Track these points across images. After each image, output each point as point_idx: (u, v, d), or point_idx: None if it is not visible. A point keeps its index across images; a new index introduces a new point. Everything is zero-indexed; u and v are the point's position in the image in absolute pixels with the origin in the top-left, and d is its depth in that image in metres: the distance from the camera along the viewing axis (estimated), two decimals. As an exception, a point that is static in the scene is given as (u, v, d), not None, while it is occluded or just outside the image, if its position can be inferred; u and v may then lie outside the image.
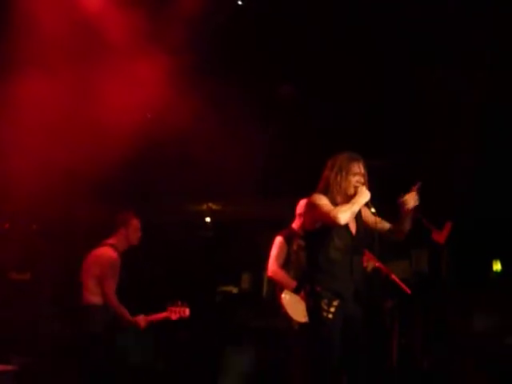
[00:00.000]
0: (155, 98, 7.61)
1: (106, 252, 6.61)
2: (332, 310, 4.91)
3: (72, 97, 7.44)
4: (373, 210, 5.14)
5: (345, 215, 4.96)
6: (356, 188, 5.09)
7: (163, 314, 6.71)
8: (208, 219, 10.13)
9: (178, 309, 6.66)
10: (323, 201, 5.06)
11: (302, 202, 6.83)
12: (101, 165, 7.60)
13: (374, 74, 8.39)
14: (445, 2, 7.76)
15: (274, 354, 7.26)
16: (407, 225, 5.24)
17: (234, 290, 10.55)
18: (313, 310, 5.05)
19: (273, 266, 6.74)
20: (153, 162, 8.66)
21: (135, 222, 6.78)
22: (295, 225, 6.91)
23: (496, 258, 10.25)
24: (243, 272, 10.83)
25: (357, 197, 5.05)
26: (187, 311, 6.66)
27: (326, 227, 5.06)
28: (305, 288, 5.39)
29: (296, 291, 6.57)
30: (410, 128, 8.76)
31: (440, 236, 6.49)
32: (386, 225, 5.26)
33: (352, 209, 5.00)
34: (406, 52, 8.33)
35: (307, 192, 7.01)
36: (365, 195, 5.07)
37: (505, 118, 9.06)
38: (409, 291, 6.51)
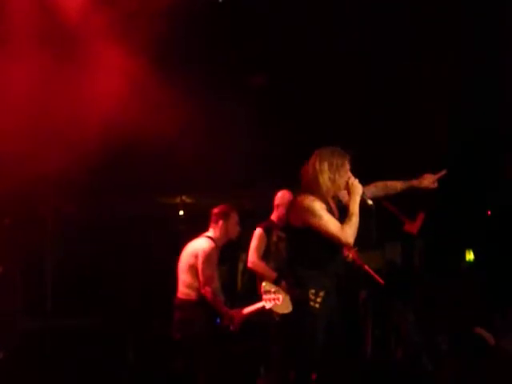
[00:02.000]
0: (126, 90, 7.55)
1: (203, 243, 6.58)
2: (319, 300, 4.94)
3: (40, 89, 7.36)
4: (370, 202, 5.13)
5: (354, 236, 4.98)
6: (348, 183, 5.06)
7: (258, 306, 6.60)
8: (181, 212, 10.07)
9: (271, 297, 6.53)
10: (325, 215, 4.98)
11: (280, 194, 6.85)
12: (72, 158, 7.54)
13: (348, 64, 8.41)
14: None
15: (253, 346, 7.24)
16: (400, 190, 5.34)
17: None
18: (299, 300, 5.06)
19: (253, 257, 6.77)
20: (125, 155, 8.60)
21: (235, 216, 6.70)
22: (274, 216, 6.92)
23: (469, 247, 10.33)
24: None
25: (353, 205, 4.99)
26: (281, 298, 6.52)
27: (311, 228, 5.04)
28: (288, 279, 5.41)
29: (276, 282, 6.59)
30: (384, 118, 8.79)
31: (413, 227, 6.53)
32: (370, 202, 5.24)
33: (356, 222, 4.98)
34: (380, 40, 8.35)
35: (282, 182, 7.04)
36: (359, 190, 5.04)
37: (479, 108, 9.13)
38: (382, 282, 6.54)
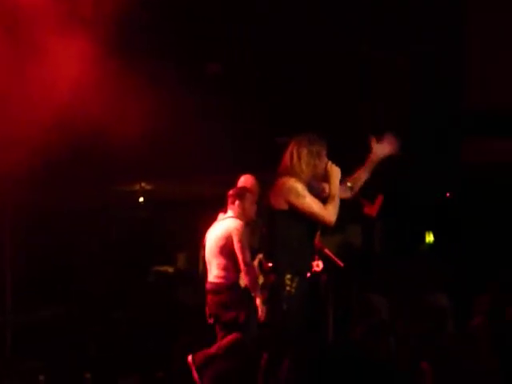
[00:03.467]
0: (84, 80, 7.48)
1: (233, 223, 6.53)
2: (294, 285, 4.99)
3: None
4: (349, 184, 5.23)
5: (336, 215, 5.11)
6: (327, 168, 5.15)
7: None
8: (141, 199, 10.03)
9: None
10: (308, 195, 5.07)
11: (243, 178, 6.83)
12: (29, 149, 7.44)
13: (308, 52, 8.43)
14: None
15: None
16: (363, 176, 5.35)
17: (170, 270, 10.52)
18: (275, 285, 5.11)
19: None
20: (83, 144, 8.53)
21: (251, 196, 6.66)
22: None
23: (429, 229, 10.42)
24: (179, 251, 10.80)
25: (333, 187, 5.10)
26: (321, 264, 6.49)
27: (294, 209, 5.09)
28: (262, 264, 5.45)
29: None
30: (343, 106, 8.83)
31: (372, 209, 6.53)
32: (349, 184, 5.31)
33: (337, 203, 5.11)
34: (341, 31, 8.38)
35: (242, 168, 7.03)
36: (337, 174, 5.15)
37: (436, 98, 9.22)
38: (342, 265, 6.58)
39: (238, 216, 6.62)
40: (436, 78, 9.28)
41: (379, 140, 5.42)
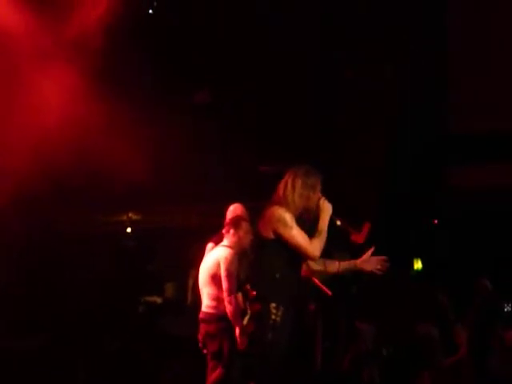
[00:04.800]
0: (68, 109, 7.49)
1: (223, 252, 6.45)
2: (280, 314, 4.96)
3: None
4: (338, 222, 5.21)
5: (321, 251, 5.06)
6: (319, 203, 5.11)
7: None
8: (129, 229, 10.00)
9: None
10: (295, 227, 5.02)
11: (232, 207, 6.81)
12: (17, 176, 7.44)
13: (287, 78, 8.47)
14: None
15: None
16: (340, 271, 5.35)
17: (158, 300, 10.47)
18: (261, 313, 5.06)
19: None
20: (71, 174, 8.52)
21: (246, 224, 6.61)
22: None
23: (417, 256, 10.43)
24: (167, 281, 10.76)
25: (322, 222, 5.06)
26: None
27: (280, 239, 5.07)
28: (247, 293, 5.41)
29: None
30: (322, 131, 8.87)
31: (359, 237, 6.53)
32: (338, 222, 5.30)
33: (324, 239, 5.07)
34: (318, 53, 8.43)
35: (230, 198, 7.02)
36: (329, 210, 5.11)
37: (414, 118, 9.28)
38: (330, 293, 6.55)
39: (233, 245, 6.60)
40: (417, 104, 9.34)
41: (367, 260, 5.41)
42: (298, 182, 5.12)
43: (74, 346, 8.80)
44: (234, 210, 6.90)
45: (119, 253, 10.73)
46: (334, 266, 5.35)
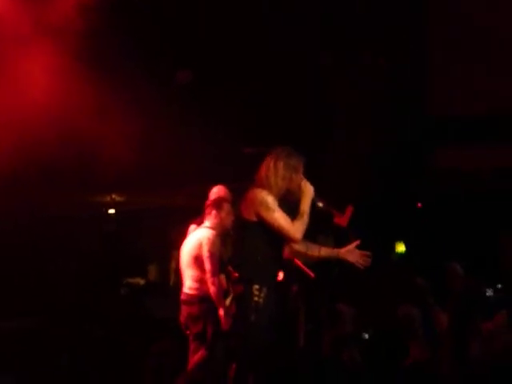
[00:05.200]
0: (54, 88, 7.44)
1: (205, 233, 6.45)
2: (262, 295, 4.95)
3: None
4: (320, 204, 5.18)
5: (302, 233, 5.04)
6: (301, 185, 5.08)
7: None
8: (112, 211, 9.98)
9: None
10: (277, 209, 5.00)
11: (216, 189, 6.81)
12: (1, 158, 7.39)
13: (272, 62, 8.45)
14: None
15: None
16: (321, 257, 5.33)
17: (141, 282, 10.46)
18: (243, 295, 5.06)
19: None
20: (55, 154, 8.48)
21: (227, 206, 6.60)
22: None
23: (399, 239, 10.47)
24: (150, 263, 10.75)
25: (304, 204, 5.04)
26: (281, 275, 6.40)
27: (262, 221, 5.04)
28: (230, 275, 5.40)
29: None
30: (309, 117, 8.87)
31: (342, 219, 6.54)
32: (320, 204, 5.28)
33: (306, 221, 5.04)
34: (304, 42, 8.42)
35: (213, 180, 7.01)
36: (310, 192, 5.08)
37: (399, 105, 9.30)
38: (312, 275, 6.56)
39: (215, 226, 6.61)
40: (401, 88, 9.36)
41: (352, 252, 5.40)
42: (280, 164, 5.09)
43: (57, 328, 8.79)
44: (217, 191, 6.90)
45: (102, 234, 10.71)
46: (315, 250, 5.33)
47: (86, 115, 7.78)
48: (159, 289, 10.08)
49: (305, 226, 5.05)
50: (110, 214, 10.00)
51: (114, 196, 9.82)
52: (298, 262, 6.68)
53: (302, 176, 5.12)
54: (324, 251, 5.37)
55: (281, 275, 6.36)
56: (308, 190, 5.09)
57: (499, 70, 9.59)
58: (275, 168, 5.08)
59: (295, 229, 5.02)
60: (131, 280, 10.39)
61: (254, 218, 5.07)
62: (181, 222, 7.07)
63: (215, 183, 6.99)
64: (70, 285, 9.74)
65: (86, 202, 10.08)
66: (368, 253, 5.30)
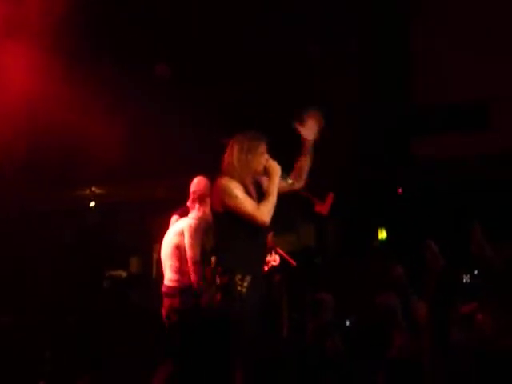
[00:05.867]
0: (33, 83, 7.39)
1: (188, 220, 6.39)
2: (245, 284, 4.91)
3: None
4: (290, 181, 5.13)
5: (270, 215, 4.93)
6: (266, 165, 4.99)
7: None
8: (92, 203, 9.92)
9: (267, 258, 6.37)
10: (241, 195, 4.92)
11: (196, 180, 6.78)
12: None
13: (255, 53, 8.45)
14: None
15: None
16: (305, 163, 5.27)
17: (123, 274, 10.42)
18: (227, 285, 5.01)
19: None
20: (34, 148, 8.44)
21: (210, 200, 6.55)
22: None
23: (381, 226, 10.49)
24: (131, 255, 10.71)
25: (270, 185, 4.96)
26: (277, 259, 6.43)
27: (228, 210, 4.98)
28: (216, 267, 5.37)
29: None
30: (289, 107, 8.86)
31: (323, 207, 6.54)
32: (290, 181, 5.23)
33: (273, 202, 4.94)
34: (284, 31, 8.42)
35: (194, 171, 6.99)
36: (277, 171, 4.99)
37: (382, 91, 9.31)
38: (294, 263, 6.57)
39: (198, 219, 6.58)
40: (382, 76, 9.38)
41: (303, 121, 5.33)
42: (235, 148, 5.03)
43: (39, 323, 8.74)
44: (197, 182, 6.87)
45: (83, 227, 10.66)
46: (303, 169, 5.27)
47: (66, 109, 7.75)
48: (142, 281, 10.04)
49: (272, 207, 4.94)
50: (91, 206, 9.95)
51: (93, 189, 9.77)
52: (280, 251, 6.70)
53: (265, 157, 5.02)
54: (304, 160, 5.25)
55: (277, 259, 6.35)
56: (273, 170, 4.99)
57: (484, 57, 9.61)
58: (231, 153, 5.03)
59: (261, 212, 4.92)
60: (113, 273, 10.35)
61: (222, 208, 5.02)
62: (162, 213, 7.04)
63: (196, 175, 6.97)
64: (51, 279, 9.69)
65: (66, 196, 10.03)
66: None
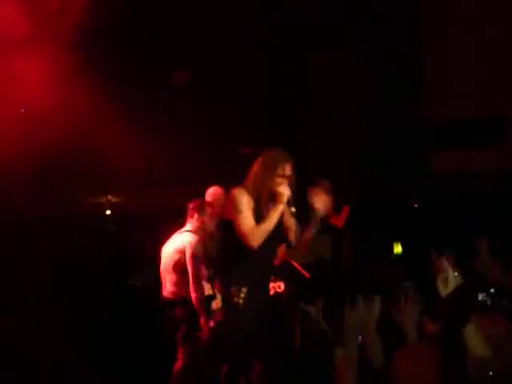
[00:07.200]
0: (47, 89, 7.44)
1: (188, 237, 6.45)
2: (242, 295, 4.94)
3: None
4: (293, 209, 5.10)
5: (259, 241, 4.92)
6: (275, 190, 5.00)
7: None
8: (108, 212, 9.96)
9: (272, 284, 6.39)
10: (245, 211, 4.94)
11: (212, 190, 6.80)
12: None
13: (265, 62, 8.46)
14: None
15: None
16: (310, 236, 5.27)
17: (138, 284, 10.42)
18: (225, 296, 5.15)
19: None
20: (51, 155, 8.48)
21: (210, 209, 6.57)
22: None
23: (397, 240, 10.44)
24: (146, 264, 10.70)
25: (272, 211, 4.96)
26: (282, 285, 6.44)
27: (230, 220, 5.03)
28: (220, 279, 5.39)
29: (208, 280, 6.56)
30: (299, 117, 8.88)
31: (338, 220, 6.55)
32: (292, 236, 5.22)
33: (267, 228, 4.94)
34: (293, 37, 8.42)
35: (210, 181, 7.02)
36: (283, 199, 4.98)
37: (405, 102, 9.29)
38: (307, 275, 6.55)
39: (196, 230, 6.57)
40: (396, 90, 9.36)
41: (316, 194, 5.36)
42: (258, 161, 5.05)
43: (46, 330, 8.76)
44: (212, 193, 6.89)
45: (99, 236, 10.68)
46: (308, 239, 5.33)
47: (83, 116, 7.79)
48: (156, 290, 10.03)
49: (265, 233, 4.92)
50: (107, 214, 9.98)
51: (109, 197, 9.81)
52: (294, 263, 6.68)
53: (282, 181, 5.00)
54: (309, 232, 5.39)
55: (281, 286, 6.34)
56: (280, 196, 4.96)
57: (498, 71, 9.59)
58: (254, 165, 5.06)
59: (252, 236, 4.91)
60: (129, 282, 10.36)
61: (229, 218, 5.03)
62: (176, 222, 7.05)
63: (214, 184, 6.98)
64: (68, 286, 9.72)
65: (82, 203, 10.07)
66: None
